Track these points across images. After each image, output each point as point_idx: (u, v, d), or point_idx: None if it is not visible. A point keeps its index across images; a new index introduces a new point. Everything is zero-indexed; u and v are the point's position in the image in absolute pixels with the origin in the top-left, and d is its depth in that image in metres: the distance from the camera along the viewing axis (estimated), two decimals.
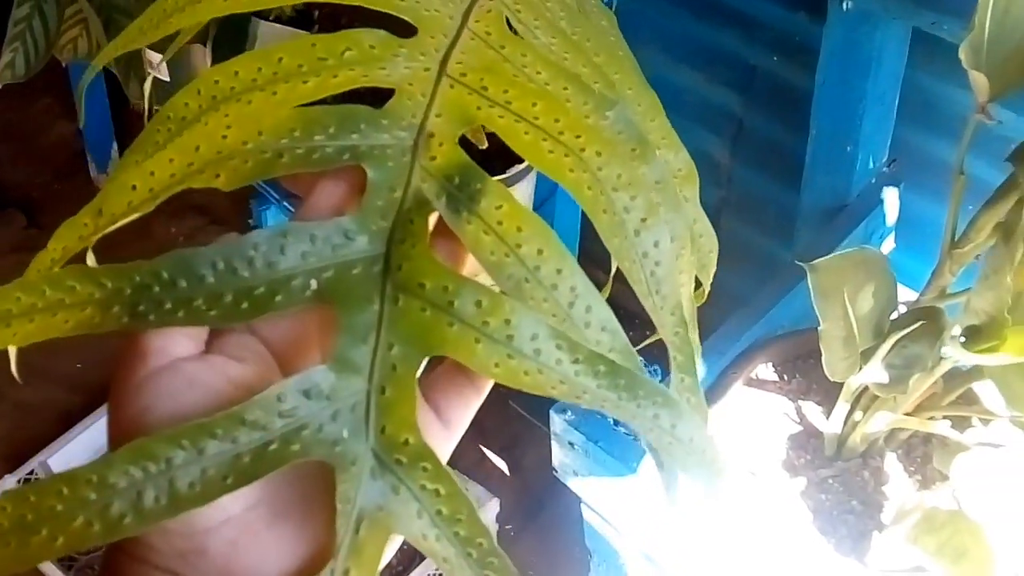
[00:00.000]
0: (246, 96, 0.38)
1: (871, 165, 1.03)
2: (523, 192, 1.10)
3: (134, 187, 0.36)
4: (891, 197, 1.04)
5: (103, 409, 1.38)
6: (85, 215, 0.37)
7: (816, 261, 0.71)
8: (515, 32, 0.44)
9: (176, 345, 0.35)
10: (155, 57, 1.06)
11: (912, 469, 0.89)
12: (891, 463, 0.89)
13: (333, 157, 0.36)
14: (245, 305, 0.34)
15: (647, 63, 1.24)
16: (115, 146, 1.80)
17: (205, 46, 1.10)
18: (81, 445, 1.36)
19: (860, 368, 0.77)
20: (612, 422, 0.87)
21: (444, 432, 0.36)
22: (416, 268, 0.35)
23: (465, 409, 0.37)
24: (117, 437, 0.34)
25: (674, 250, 0.39)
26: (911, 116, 1.05)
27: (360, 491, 0.32)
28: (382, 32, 0.40)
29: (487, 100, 0.39)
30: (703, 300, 0.47)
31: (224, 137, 0.36)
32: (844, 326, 0.71)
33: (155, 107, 1.01)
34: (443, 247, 0.37)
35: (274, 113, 0.37)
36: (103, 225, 0.37)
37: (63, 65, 1.19)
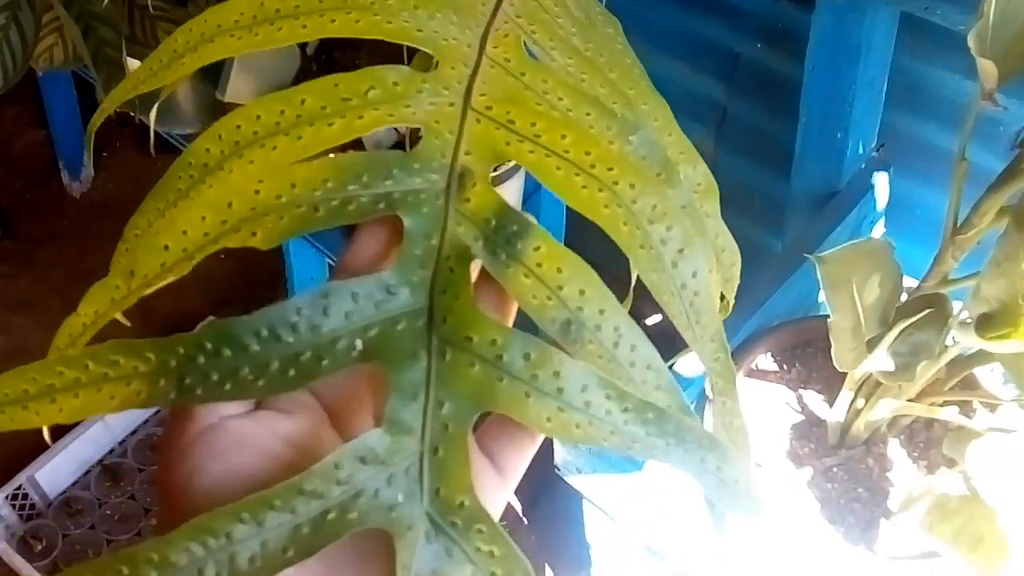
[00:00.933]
0: (270, 141, 0.37)
1: (860, 151, 1.03)
2: (512, 188, 1.09)
3: (167, 247, 0.35)
4: (881, 182, 1.04)
5: (88, 422, 1.36)
6: (116, 277, 0.36)
7: (825, 253, 0.70)
8: (532, 55, 0.44)
9: (224, 403, 0.34)
10: (135, 64, 1.04)
11: (916, 455, 0.89)
12: (894, 449, 0.89)
13: (368, 207, 0.35)
14: (292, 372, 0.33)
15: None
16: (87, 153, 1.77)
17: None
18: (66, 459, 1.34)
19: (866, 357, 0.77)
20: None
21: (499, 481, 0.36)
22: (461, 320, 0.34)
23: (520, 457, 0.36)
24: (168, 500, 0.33)
25: (710, 276, 0.39)
26: (898, 99, 1.05)
27: (416, 556, 0.32)
28: (404, 68, 0.39)
29: (515, 134, 0.38)
30: (727, 314, 0.47)
31: (257, 192, 0.35)
32: (852, 316, 0.71)
33: (138, 113, 0.98)
34: (487, 296, 0.36)
35: (303, 161, 0.36)
36: (136, 287, 0.36)
37: (37, 73, 1.17)
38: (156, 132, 1.25)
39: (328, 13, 0.40)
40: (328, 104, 0.38)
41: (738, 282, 0.47)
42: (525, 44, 0.44)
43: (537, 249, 0.36)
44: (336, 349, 0.33)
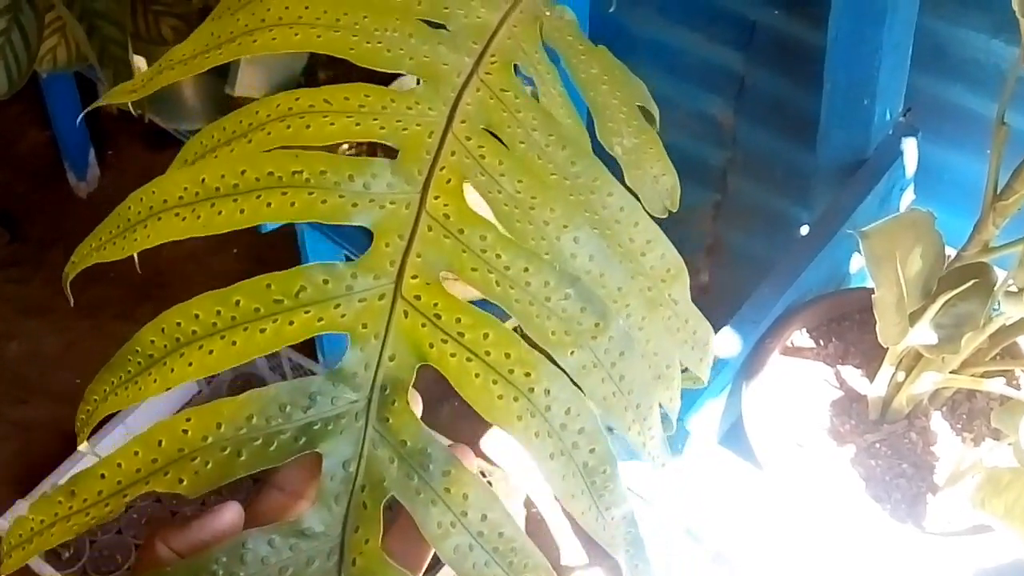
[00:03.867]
0: (207, 343, 0.38)
1: (888, 117, 1.00)
2: None
3: (103, 476, 0.39)
4: (910, 148, 1.02)
5: (108, 426, 1.34)
6: (59, 493, 0.39)
7: (868, 228, 0.68)
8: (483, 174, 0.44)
9: None
10: (141, 62, 1.02)
11: (959, 427, 0.87)
12: (937, 422, 0.87)
13: (289, 445, 0.37)
14: None
15: (643, 27, 1.19)
16: (92, 151, 1.75)
17: None
18: (90, 463, 1.32)
19: (909, 331, 0.75)
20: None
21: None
22: (369, 566, 0.36)
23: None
24: None
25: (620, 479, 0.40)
26: (922, 62, 1.02)
27: None
28: (338, 265, 0.40)
29: (440, 332, 0.39)
30: (704, 384, 0.48)
31: (185, 432, 0.38)
32: (896, 291, 0.69)
33: (147, 113, 0.96)
34: (401, 538, 0.38)
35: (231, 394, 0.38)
36: (76, 508, 0.39)
37: (39, 74, 1.15)
38: (162, 127, 1.23)
39: (264, 195, 0.41)
40: (261, 306, 0.39)
41: (711, 357, 0.48)
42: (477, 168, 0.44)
43: (447, 474, 0.37)
44: None
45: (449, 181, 0.42)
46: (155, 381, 0.39)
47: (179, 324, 0.39)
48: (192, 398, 1.45)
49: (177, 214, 0.41)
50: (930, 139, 1.05)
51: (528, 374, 0.38)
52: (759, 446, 0.85)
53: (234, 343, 0.38)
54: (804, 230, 1.13)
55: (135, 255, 0.43)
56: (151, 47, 1.06)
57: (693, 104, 1.27)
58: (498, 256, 0.41)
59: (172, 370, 0.39)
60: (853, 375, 0.90)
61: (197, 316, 0.39)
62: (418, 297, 0.40)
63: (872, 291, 0.95)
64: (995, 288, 0.72)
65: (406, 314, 0.39)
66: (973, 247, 0.77)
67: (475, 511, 0.37)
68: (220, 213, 0.41)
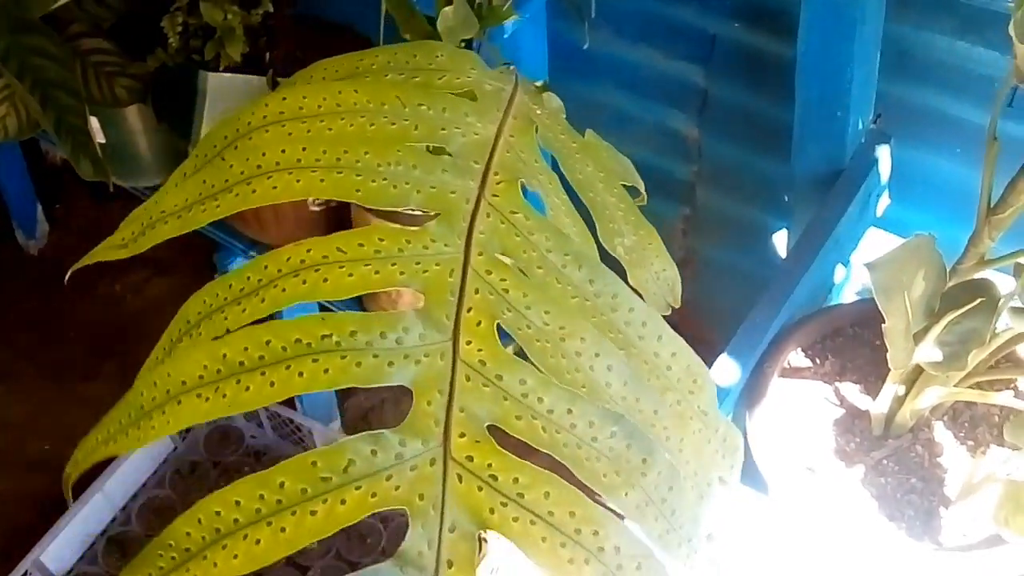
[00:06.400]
0: (252, 532, 0.36)
1: (860, 126, 1.00)
2: None
3: None
4: (884, 154, 1.01)
5: (85, 495, 1.30)
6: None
7: (875, 260, 0.67)
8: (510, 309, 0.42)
9: None
10: (94, 122, 0.99)
11: (962, 435, 0.87)
12: (940, 432, 0.87)
13: None
14: None
15: (602, 44, 1.18)
16: (39, 208, 1.70)
17: (146, 103, 1.03)
18: (70, 536, 1.28)
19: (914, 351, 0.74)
20: None
21: None
22: None
23: None
24: None
25: None
26: (888, 67, 1.02)
27: None
28: (384, 433, 0.38)
29: (499, 495, 0.37)
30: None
31: None
32: (905, 319, 0.68)
33: (111, 179, 0.92)
34: None
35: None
36: None
37: None
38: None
39: (294, 364, 0.39)
40: (308, 486, 0.37)
41: (742, 459, 0.47)
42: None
43: None
44: None
45: (480, 324, 0.41)
46: None
47: (218, 513, 0.37)
48: (167, 456, 1.41)
49: (199, 395, 0.39)
50: (900, 142, 1.05)
51: (596, 532, 0.37)
52: (769, 474, 0.84)
53: (283, 530, 0.36)
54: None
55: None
56: (105, 109, 1.02)
57: (657, 119, 1.26)
58: (540, 400, 0.39)
59: (215, 564, 0.36)
60: (852, 391, 0.89)
61: (238, 503, 0.37)
62: (470, 458, 0.38)
63: (862, 303, 0.95)
64: (999, 304, 0.72)
65: (460, 478, 0.38)
66: (969, 260, 0.76)
67: None
68: (248, 389, 0.38)
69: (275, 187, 0.44)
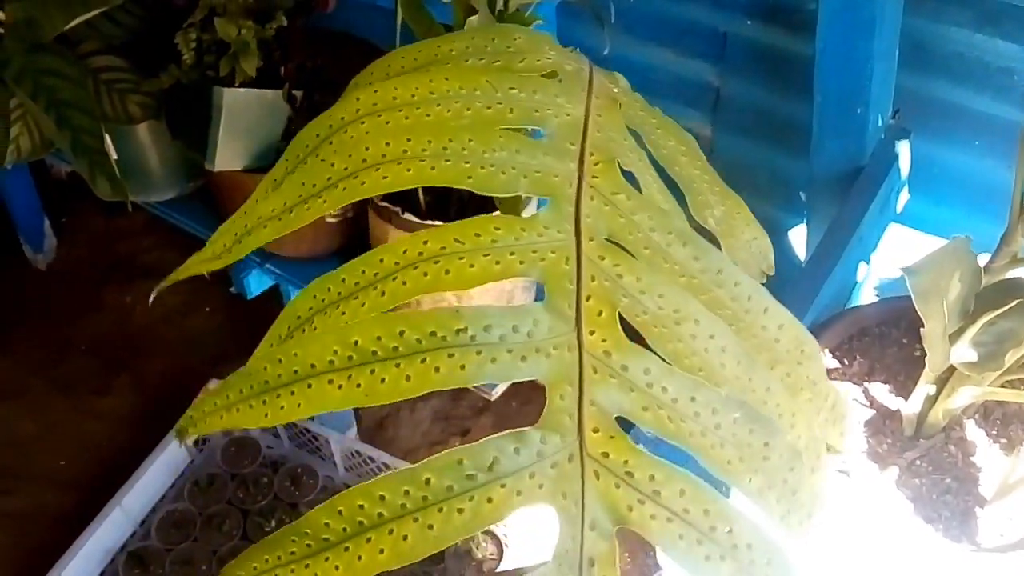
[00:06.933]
0: (399, 528, 0.36)
1: (879, 122, 0.99)
2: None
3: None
4: (904, 150, 1.01)
5: (104, 511, 1.29)
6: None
7: (914, 265, 0.67)
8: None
9: None
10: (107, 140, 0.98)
11: (994, 432, 0.86)
12: (972, 431, 0.86)
13: None
14: None
15: (614, 46, 1.17)
16: (47, 222, 1.69)
17: (159, 120, 1.02)
18: (90, 552, 1.27)
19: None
20: None
21: None
22: None
23: None
24: None
25: None
26: (905, 60, 1.01)
27: None
28: (527, 431, 0.38)
29: (636, 491, 0.37)
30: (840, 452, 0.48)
31: None
32: (943, 322, 0.68)
33: (129, 198, 0.91)
34: None
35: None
36: None
37: None
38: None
39: (430, 358, 0.39)
40: (454, 483, 0.36)
41: (848, 431, 0.46)
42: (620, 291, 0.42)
43: None
44: None
45: (601, 313, 0.40)
46: (336, 568, 0.36)
47: (361, 507, 0.36)
48: (185, 468, 1.40)
49: (331, 381, 0.38)
50: (918, 135, 1.04)
51: (730, 530, 0.37)
52: None
53: (430, 527, 0.36)
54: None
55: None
56: (118, 127, 1.01)
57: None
58: (664, 390, 0.39)
59: (359, 557, 0.36)
60: (882, 391, 0.89)
61: (383, 498, 0.36)
62: (605, 454, 0.37)
63: (887, 302, 0.94)
64: None
65: (597, 475, 0.37)
66: (1002, 259, 0.76)
67: None
68: (383, 381, 0.38)
69: (385, 177, 0.43)
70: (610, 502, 0.37)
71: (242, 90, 0.91)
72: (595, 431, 0.38)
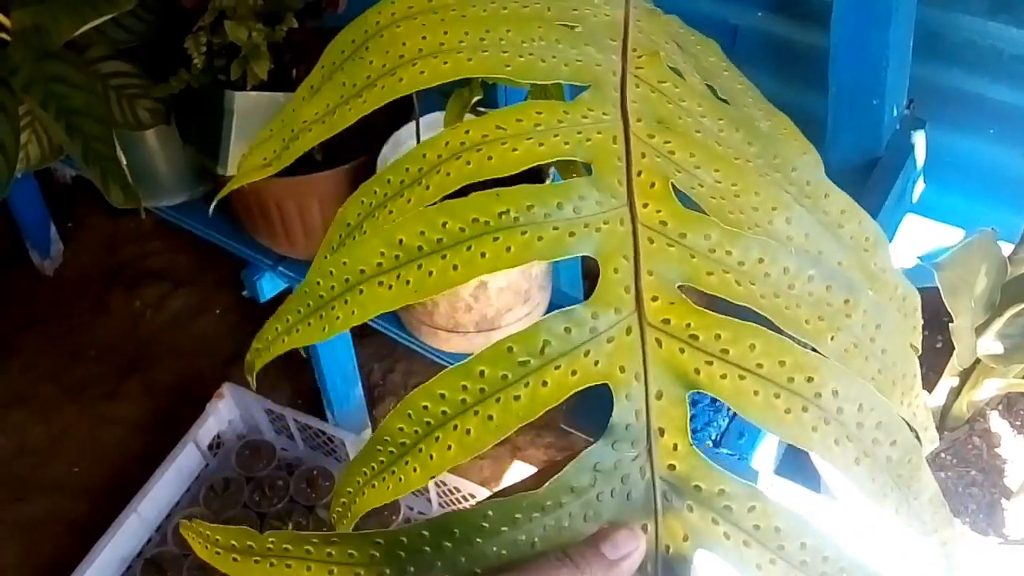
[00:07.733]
0: (462, 423, 0.36)
1: (895, 113, 0.98)
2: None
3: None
4: (920, 141, 1.00)
5: (120, 518, 1.29)
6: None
7: (941, 260, 0.66)
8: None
9: None
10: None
11: (1018, 424, 0.86)
12: (995, 422, 0.86)
13: (580, 525, 0.35)
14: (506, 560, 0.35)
15: None
16: (53, 228, 1.68)
17: (168, 125, 1.01)
18: (107, 560, 1.27)
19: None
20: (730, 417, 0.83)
21: None
22: None
23: None
24: None
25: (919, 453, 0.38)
26: (918, 50, 1.01)
27: None
28: (575, 308, 0.37)
29: (702, 353, 0.36)
30: (919, 353, 0.44)
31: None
32: (970, 317, 0.67)
33: (142, 205, 0.90)
34: None
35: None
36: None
37: None
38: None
39: (475, 244, 0.38)
40: (508, 372, 0.36)
41: (921, 322, 0.45)
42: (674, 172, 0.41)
43: (752, 510, 0.35)
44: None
45: (653, 185, 0.39)
46: (415, 470, 0.36)
47: (426, 407, 0.36)
48: (200, 473, 1.40)
49: (380, 282, 0.38)
50: (932, 125, 1.03)
51: (810, 379, 0.35)
52: (827, 472, 0.82)
53: (490, 417, 0.36)
54: None
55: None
56: (128, 133, 1.01)
57: None
58: (728, 253, 0.37)
59: (432, 456, 0.36)
60: None
61: (443, 395, 0.36)
62: (667, 321, 0.36)
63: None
64: None
65: (659, 343, 0.36)
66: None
67: (791, 541, 0.34)
68: (431, 274, 0.37)
69: (422, 72, 0.42)
70: (676, 368, 0.36)
71: (253, 93, 0.90)
72: (654, 299, 0.37)
